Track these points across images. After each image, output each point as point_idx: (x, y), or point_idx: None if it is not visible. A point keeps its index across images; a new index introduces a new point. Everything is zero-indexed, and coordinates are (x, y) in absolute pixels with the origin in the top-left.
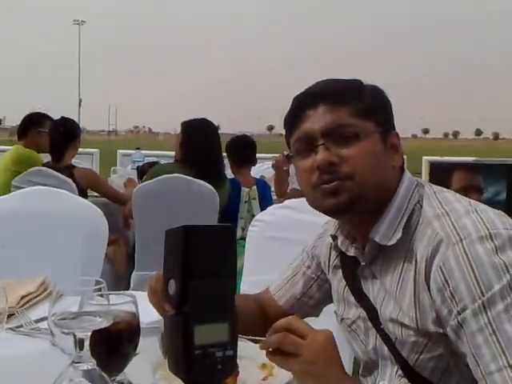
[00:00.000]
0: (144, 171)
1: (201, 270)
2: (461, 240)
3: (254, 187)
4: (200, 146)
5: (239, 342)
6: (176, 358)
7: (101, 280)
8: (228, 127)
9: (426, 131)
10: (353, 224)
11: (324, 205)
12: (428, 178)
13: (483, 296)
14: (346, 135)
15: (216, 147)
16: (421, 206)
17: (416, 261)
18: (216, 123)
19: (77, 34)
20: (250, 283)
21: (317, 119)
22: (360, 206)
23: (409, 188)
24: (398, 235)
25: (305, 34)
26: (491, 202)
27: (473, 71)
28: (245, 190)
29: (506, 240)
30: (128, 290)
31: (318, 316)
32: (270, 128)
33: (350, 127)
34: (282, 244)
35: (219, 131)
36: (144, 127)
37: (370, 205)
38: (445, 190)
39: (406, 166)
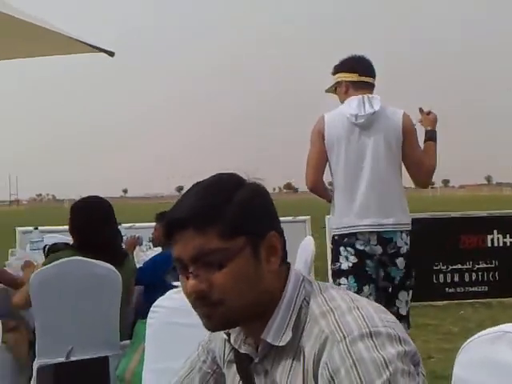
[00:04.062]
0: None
1: None
2: (344, 338)
3: None
4: (87, 229)
5: None
6: None
7: None
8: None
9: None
10: (244, 326)
11: (203, 324)
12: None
13: None
14: (213, 261)
15: (106, 227)
16: (307, 303)
17: (304, 358)
18: (124, 186)
19: None
20: (152, 371)
21: (184, 245)
22: (235, 324)
23: (295, 285)
24: (288, 337)
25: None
26: None
27: None
28: None
29: (384, 337)
30: (31, 378)
31: None
32: (180, 189)
33: (216, 253)
34: (183, 330)
35: (127, 195)
36: (48, 195)
37: (251, 316)
38: (329, 285)
39: (309, 226)
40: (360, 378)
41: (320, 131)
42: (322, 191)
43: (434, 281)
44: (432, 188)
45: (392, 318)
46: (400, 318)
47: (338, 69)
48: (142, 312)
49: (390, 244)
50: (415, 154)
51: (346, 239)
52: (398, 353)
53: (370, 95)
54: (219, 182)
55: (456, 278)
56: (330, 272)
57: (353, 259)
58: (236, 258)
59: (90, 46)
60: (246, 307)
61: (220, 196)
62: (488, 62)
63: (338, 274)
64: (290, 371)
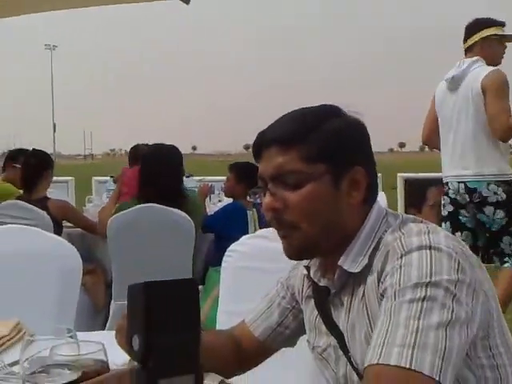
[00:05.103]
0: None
1: (164, 324)
2: (403, 250)
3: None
4: (154, 180)
5: None
6: None
7: (71, 329)
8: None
9: (402, 145)
10: (323, 258)
11: (283, 249)
12: (404, 193)
13: (399, 287)
14: (291, 181)
15: (172, 175)
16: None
17: (372, 280)
18: (193, 144)
19: (49, 58)
20: (226, 313)
21: (267, 162)
22: (312, 250)
23: (377, 220)
24: (365, 262)
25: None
26: None
27: None
28: (249, 213)
29: (444, 255)
30: (107, 319)
31: (293, 346)
32: (247, 147)
33: (295, 173)
34: (256, 274)
35: (196, 151)
36: (121, 150)
37: (326, 246)
38: (411, 219)
39: (381, 184)
40: (400, 280)
41: (433, 97)
42: (435, 143)
43: None
44: None
45: (466, 249)
46: (504, 255)
47: None
48: (213, 260)
49: (475, 194)
50: (491, 109)
51: (444, 189)
52: (450, 277)
53: (465, 59)
54: (317, 109)
55: None
56: None
57: (449, 208)
58: (313, 182)
59: None
60: (320, 234)
61: (311, 121)
62: None
63: (442, 219)
64: (362, 297)
